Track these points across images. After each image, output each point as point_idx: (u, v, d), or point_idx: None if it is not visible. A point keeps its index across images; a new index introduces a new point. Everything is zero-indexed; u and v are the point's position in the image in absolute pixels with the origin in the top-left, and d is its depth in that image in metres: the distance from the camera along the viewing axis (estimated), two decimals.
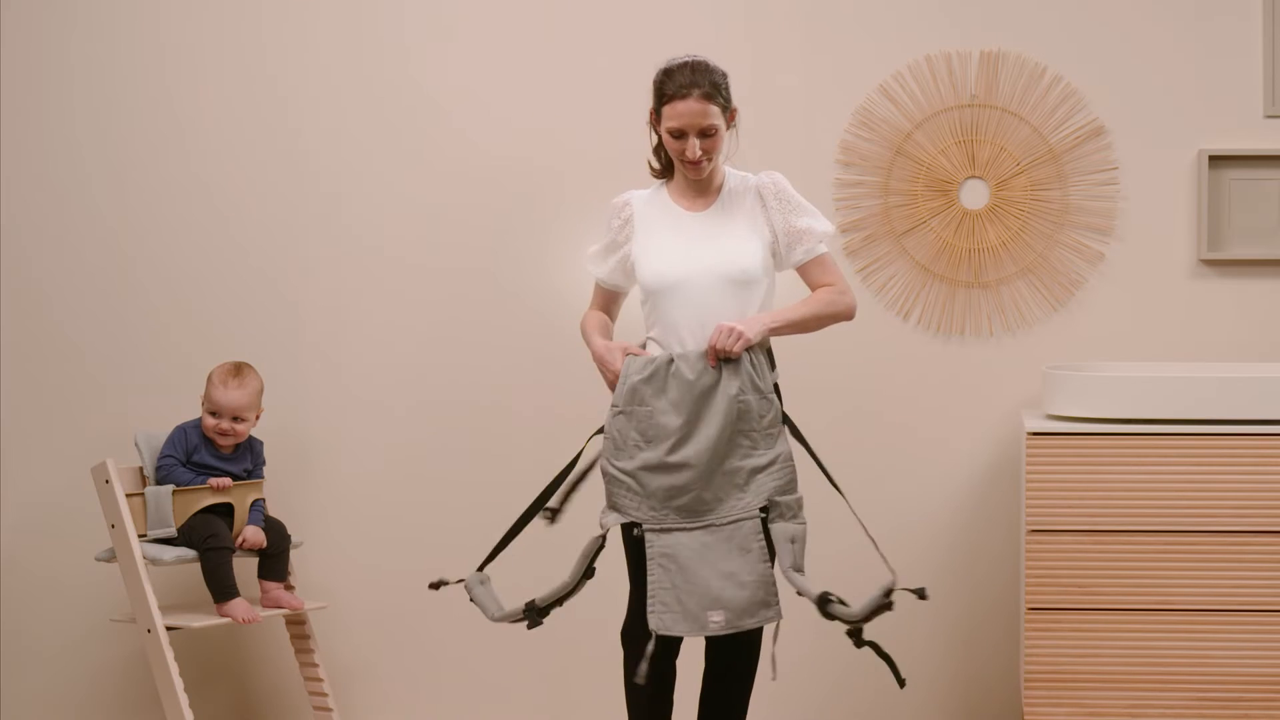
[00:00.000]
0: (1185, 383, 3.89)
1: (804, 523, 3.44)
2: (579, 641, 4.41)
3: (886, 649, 3.31)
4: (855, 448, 4.37)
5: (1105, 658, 3.91)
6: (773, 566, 3.40)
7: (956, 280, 4.35)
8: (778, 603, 3.40)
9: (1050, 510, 3.91)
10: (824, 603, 3.31)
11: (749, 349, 3.44)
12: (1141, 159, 4.30)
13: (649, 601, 3.39)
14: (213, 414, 4.20)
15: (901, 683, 3.34)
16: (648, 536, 3.40)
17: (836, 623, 3.31)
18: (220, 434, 4.19)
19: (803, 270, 3.59)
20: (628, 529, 3.43)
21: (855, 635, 3.32)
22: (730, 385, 3.41)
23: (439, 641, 4.50)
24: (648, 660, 3.36)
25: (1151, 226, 4.31)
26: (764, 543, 3.39)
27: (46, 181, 4.52)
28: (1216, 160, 4.27)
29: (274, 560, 4.21)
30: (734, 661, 3.57)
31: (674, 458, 3.40)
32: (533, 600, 3.48)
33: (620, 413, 3.47)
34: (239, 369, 4.23)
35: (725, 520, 3.40)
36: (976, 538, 4.37)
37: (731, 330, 3.40)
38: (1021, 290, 4.34)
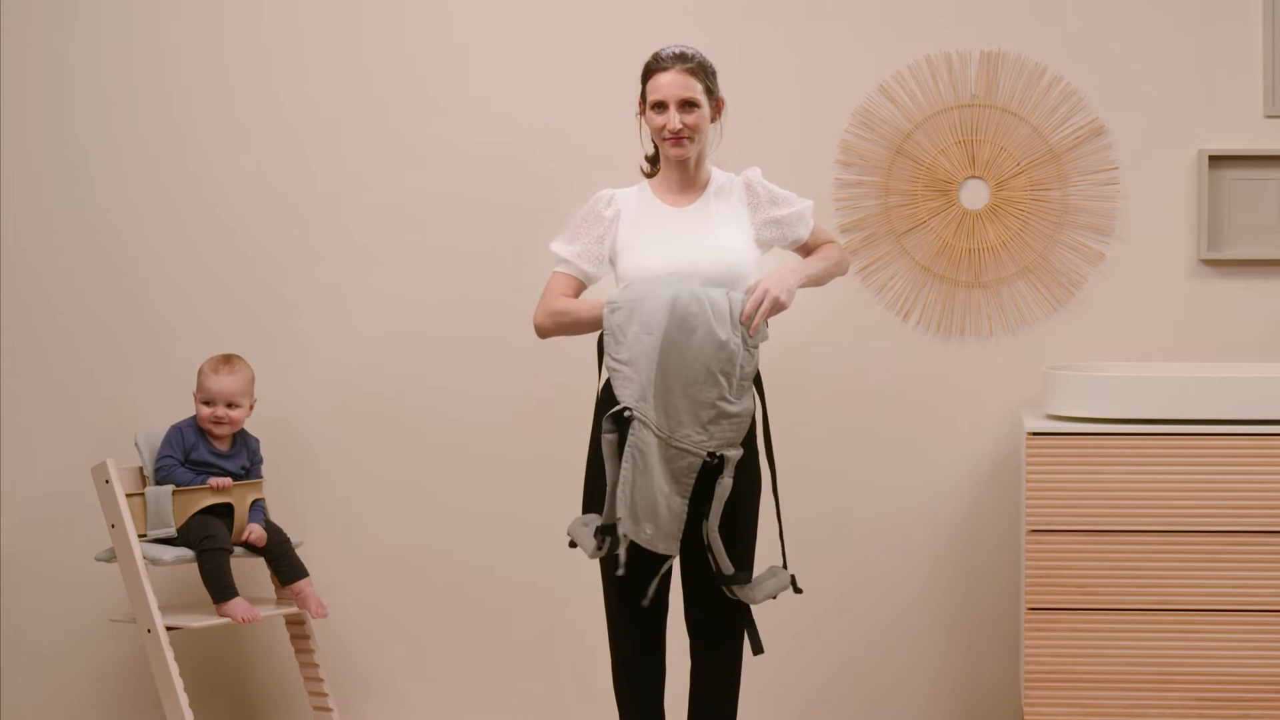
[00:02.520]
0: (1185, 383, 3.89)
1: (731, 482, 3.43)
2: (577, 641, 4.41)
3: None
4: (855, 447, 4.37)
5: (1105, 658, 3.91)
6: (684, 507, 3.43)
7: (956, 280, 4.35)
8: (679, 539, 3.42)
9: (1050, 510, 3.91)
10: (727, 578, 3.44)
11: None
12: (1141, 159, 4.30)
13: (611, 493, 3.41)
14: (207, 403, 4.20)
15: (756, 649, 3.52)
16: (634, 425, 3.39)
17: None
18: (215, 422, 4.19)
19: (804, 245, 3.68)
20: (618, 415, 3.41)
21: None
22: (724, 330, 3.42)
23: (438, 641, 4.50)
24: (600, 547, 3.44)
25: (1151, 226, 4.31)
26: (692, 485, 3.41)
27: (47, 181, 4.52)
28: (1216, 160, 4.27)
29: (282, 561, 4.20)
30: (718, 655, 3.58)
31: (657, 357, 3.40)
32: (599, 525, 3.46)
33: (619, 308, 3.46)
34: (228, 357, 4.24)
35: (676, 444, 3.40)
36: (976, 538, 4.37)
37: (775, 302, 3.45)
38: (1021, 290, 4.34)
